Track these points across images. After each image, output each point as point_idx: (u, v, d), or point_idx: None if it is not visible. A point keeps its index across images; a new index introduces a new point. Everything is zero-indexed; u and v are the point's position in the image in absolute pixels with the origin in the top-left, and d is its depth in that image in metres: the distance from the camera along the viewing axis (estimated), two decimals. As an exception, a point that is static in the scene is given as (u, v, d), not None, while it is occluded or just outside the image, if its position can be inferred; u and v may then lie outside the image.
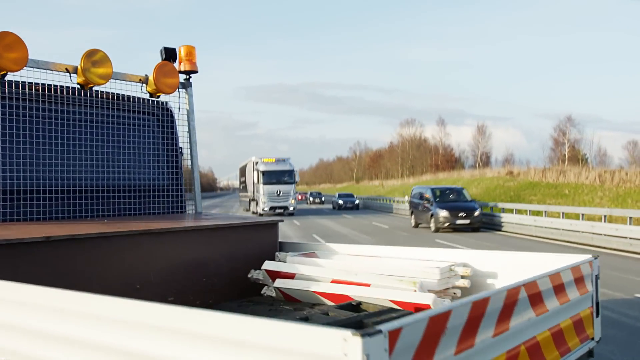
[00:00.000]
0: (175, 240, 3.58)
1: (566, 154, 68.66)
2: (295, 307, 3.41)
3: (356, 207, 50.65)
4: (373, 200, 59.23)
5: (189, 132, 4.75)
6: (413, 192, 27.95)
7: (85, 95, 4.09)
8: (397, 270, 3.42)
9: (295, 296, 3.63)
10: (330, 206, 55.69)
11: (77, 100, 4.08)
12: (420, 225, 26.27)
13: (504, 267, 3.38)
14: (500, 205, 28.10)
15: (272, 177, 37.79)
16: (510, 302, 2.21)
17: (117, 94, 4.30)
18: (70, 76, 3.94)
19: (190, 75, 4.67)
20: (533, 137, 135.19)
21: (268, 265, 3.79)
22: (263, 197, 37.28)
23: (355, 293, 3.29)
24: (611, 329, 7.73)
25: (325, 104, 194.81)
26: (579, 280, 2.86)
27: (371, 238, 21.12)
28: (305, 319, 2.54)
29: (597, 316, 3.06)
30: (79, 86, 4.00)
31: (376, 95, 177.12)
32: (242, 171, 48.68)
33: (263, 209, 37.11)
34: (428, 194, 25.18)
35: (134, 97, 4.39)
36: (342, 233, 23.82)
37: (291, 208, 38.75)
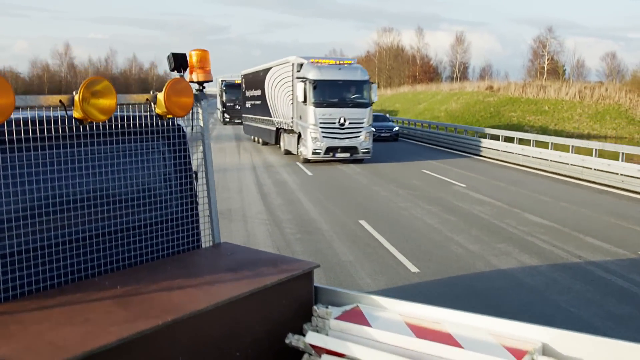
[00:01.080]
0: (206, 318, 3.04)
1: (545, 66, 68.00)
2: None
3: (394, 138, 33.28)
4: (411, 126, 37.20)
5: (204, 151, 4.06)
6: None
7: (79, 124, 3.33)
8: (468, 357, 2.96)
9: (347, 377, 3.17)
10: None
11: (65, 131, 3.35)
12: None
13: (593, 357, 2.93)
14: None
15: (329, 92, 21.09)
16: None
17: (119, 115, 3.58)
18: (65, 111, 3.19)
19: (204, 85, 3.93)
20: (508, 43, 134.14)
21: (312, 338, 3.29)
22: (313, 130, 20.99)
23: (424, 392, 2.86)
24: (627, 305, 7.19)
25: (297, 6, 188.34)
26: None
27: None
28: None
29: None
30: (75, 121, 3.24)
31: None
32: (253, 81, 30.30)
33: (314, 151, 21.23)
34: None
35: (139, 117, 3.67)
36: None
37: (363, 150, 21.65)
